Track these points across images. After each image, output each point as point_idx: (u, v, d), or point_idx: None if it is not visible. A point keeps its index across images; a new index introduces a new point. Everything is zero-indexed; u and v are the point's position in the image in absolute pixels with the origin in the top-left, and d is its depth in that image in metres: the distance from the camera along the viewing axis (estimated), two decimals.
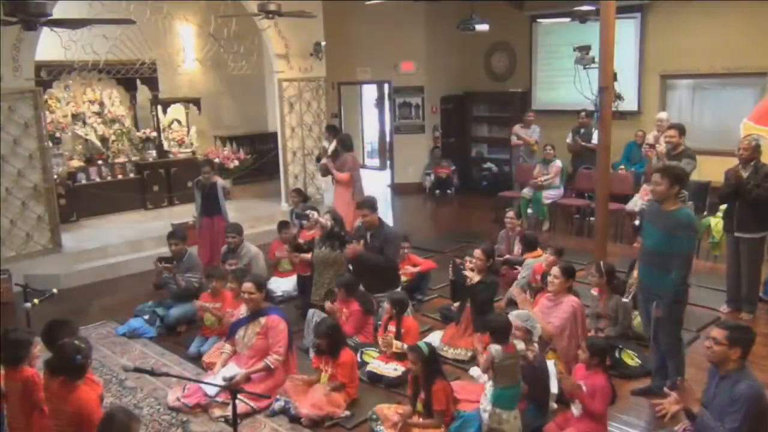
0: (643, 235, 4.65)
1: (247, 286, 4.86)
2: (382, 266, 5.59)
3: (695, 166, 6.47)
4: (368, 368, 5.09)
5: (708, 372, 3.53)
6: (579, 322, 4.76)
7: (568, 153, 9.84)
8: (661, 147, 7.02)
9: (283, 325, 4.84)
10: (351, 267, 5.94)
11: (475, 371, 4.67)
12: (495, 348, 3.97)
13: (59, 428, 3.55)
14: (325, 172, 8.47)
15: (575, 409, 3.97)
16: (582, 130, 9.61)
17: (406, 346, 4.92)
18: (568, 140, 9.78)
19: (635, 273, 4.93)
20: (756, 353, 5.23)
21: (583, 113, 9.48)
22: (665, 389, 3.69)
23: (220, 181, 7.73)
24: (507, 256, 7.08)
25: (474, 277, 5.43)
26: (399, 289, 5.89)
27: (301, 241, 6.60)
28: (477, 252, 5.49)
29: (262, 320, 4.86)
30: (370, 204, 5.81)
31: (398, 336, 5.18)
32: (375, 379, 5.00)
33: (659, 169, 4.49)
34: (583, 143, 9.48)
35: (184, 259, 6.34)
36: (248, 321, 4.94)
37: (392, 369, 5.00)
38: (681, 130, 6.57)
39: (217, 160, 9.54)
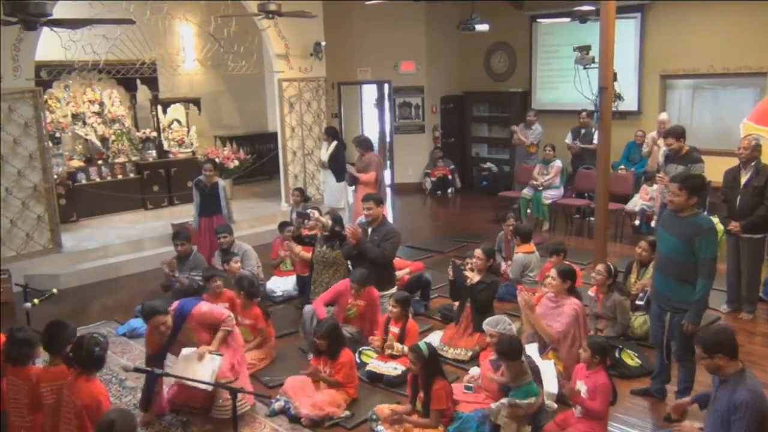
0: (658, 241, 4.58)
1: (159, 319, 4.32)
2: (378, 261, 5.56)
3: (703, 168, 6.39)
4: (368, 368, 5.08)
5: (712, 379, 3.50)
6: (581, 324, 4.75)
7: (568, 153, 9.84)
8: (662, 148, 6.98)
9: (205, 306, 4.56)
10: (350, 264, 5.93)
11: (475, 371, 4.68)
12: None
13: (62, 422, 3.56)
14: (352, 181, 8.45)
15: (576, 410, 3.98)
16: (583, 131, 9.60)
17: (405, 348, 4.94)
18: (567, 141, 9.78)
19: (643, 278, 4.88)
20: (756, 353, 5.27)
21: (583, 113, 9.47)
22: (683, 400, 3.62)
23: (221, 182, 7.74)
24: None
25: (474, 277, 5.44)
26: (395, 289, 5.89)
27: (305, 232, 6.55)
28: (477, 252, 5.51)
29: (187, 324, 4.47)
30: (375, 197, 5.80)
31: (401, 337, 5.17)
32: (375, 378, 5.00)
33: (678, 179, 4.30)
34: (584, 145, 9.48)
35: (190, 258, 6.34)
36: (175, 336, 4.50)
37: (392, 368, 5.00)
38: (677, 135, 6.39)
39: (217, 160, 9.54)
